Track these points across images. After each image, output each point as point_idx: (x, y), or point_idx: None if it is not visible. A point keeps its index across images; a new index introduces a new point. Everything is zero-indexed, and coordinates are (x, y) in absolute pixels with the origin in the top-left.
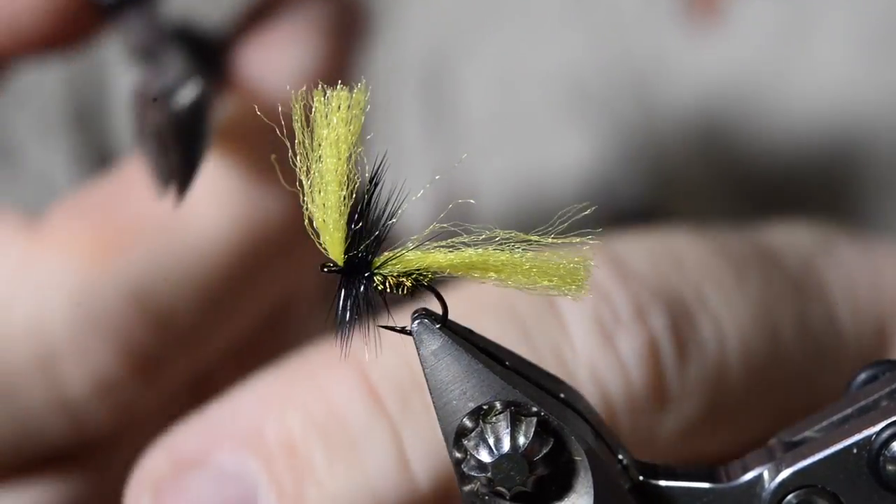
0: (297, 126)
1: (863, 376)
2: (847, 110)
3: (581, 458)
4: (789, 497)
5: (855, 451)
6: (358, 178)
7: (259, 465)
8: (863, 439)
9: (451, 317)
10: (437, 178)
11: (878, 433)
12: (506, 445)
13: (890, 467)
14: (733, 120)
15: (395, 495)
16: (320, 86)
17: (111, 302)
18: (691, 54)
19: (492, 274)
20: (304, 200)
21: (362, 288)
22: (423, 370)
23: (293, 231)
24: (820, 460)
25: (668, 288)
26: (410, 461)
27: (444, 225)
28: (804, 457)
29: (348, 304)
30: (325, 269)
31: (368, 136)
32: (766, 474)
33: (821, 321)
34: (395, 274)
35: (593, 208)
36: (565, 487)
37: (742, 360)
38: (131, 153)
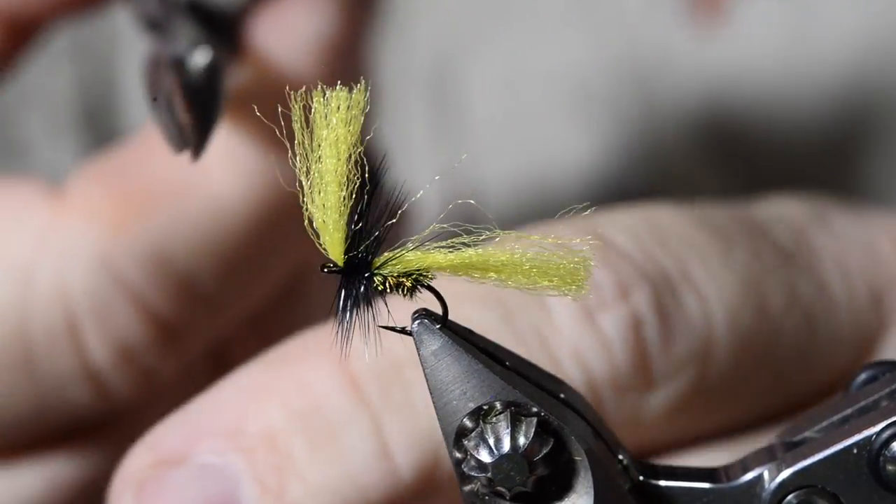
0: (296, 126)
1: (863, 376)
2: (850, 110)
3: (581, 458)
4: (789, 497)
5: (855, 451)
6: (358, 179)
7: (240, 459)
8: (863, 439)
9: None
10: (436, 178)
11: (878, 433)
12: (506, 445)
13: (890, 467)
14: (737, 119)
15: (377, 486)
16: (320, 86)
17: (133, 268)
18: (695, 54)
19: (492, 274)
20: (303, 201)
21: (362, 288)
22: (424, 370)
23: None
24: (820, 460)
25: (651, 264)
26: (393, 452)
27: (444, 225)
28: (804, 457)
29: (348, 304)
30: (326, 270)
31: (368, 137)
32: (766, 474)
33: (811, 289)
34: (396, 274)
35: (594, 209)
36: (565, 487)
37: (730, 334)
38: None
